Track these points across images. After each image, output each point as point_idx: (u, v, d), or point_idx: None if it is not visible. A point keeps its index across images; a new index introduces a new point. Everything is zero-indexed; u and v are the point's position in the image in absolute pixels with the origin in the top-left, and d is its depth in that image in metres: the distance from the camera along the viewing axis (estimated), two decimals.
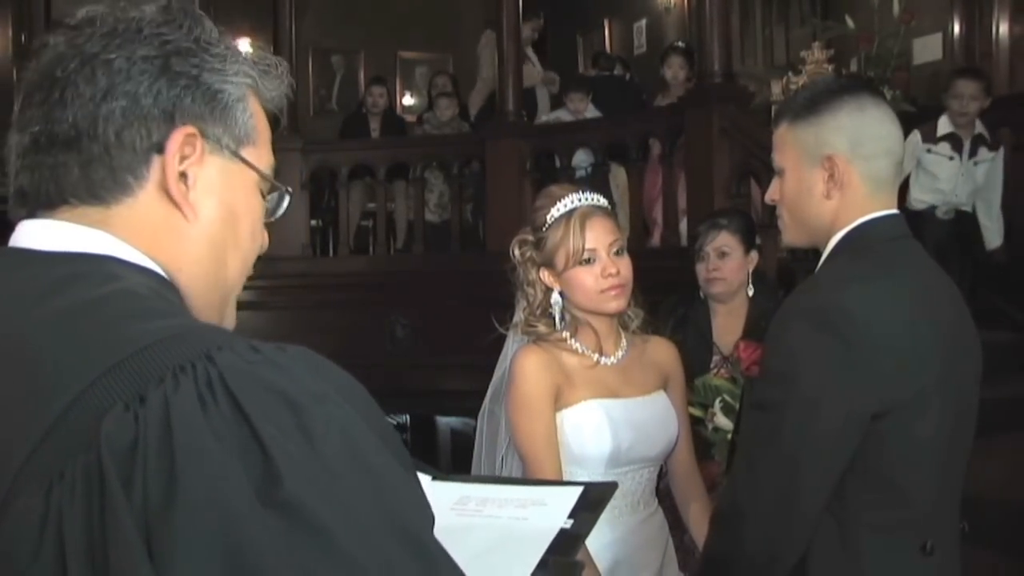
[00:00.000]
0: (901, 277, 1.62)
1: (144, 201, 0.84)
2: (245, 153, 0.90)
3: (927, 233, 4.50)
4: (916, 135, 4.82)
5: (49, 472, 0.68)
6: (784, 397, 1.55)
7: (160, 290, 0.83)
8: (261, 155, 0.92)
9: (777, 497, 1.55)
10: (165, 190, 0.85)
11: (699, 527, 2.26)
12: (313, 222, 7.05)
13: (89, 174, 0.83)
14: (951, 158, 4.78)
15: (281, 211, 0.97)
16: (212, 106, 0.86)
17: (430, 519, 0.75)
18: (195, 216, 0.86)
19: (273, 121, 0.95)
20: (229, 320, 0.95)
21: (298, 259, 6.46)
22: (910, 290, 1.61)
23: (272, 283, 5.76)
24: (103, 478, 0.66)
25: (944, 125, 4.82)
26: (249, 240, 0.93)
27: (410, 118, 8.57)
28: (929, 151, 4.77)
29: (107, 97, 0.82)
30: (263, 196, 0.94)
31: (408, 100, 10.12)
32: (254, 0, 7.83)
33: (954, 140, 4.78)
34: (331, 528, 0.67)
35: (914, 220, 4.73)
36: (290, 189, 0.98)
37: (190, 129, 0.85)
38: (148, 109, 0.83)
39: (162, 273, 0.85)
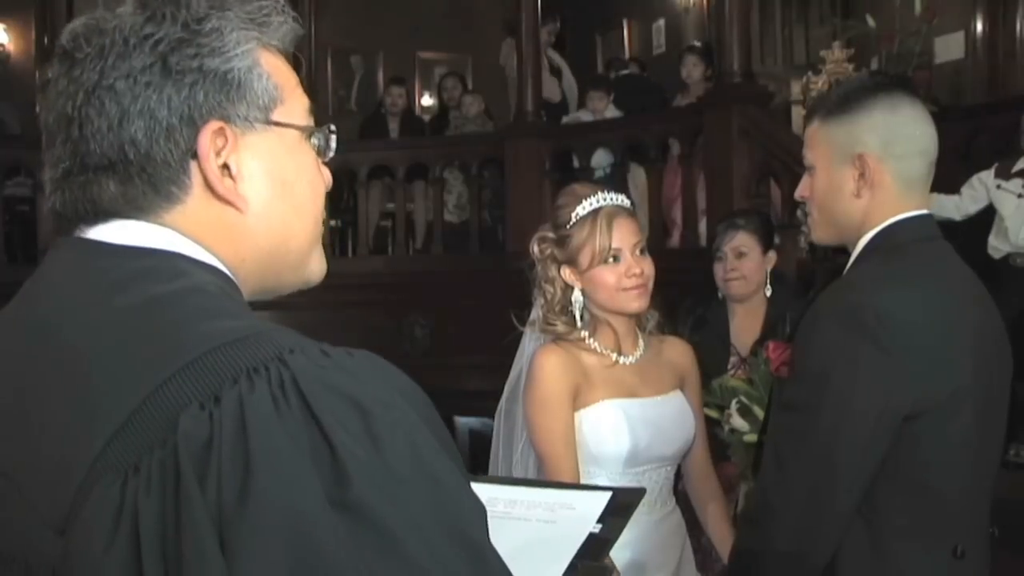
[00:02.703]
0: (934, 279, 1.61)
1: (194, 206, 0.84)
2: (276, 116, 0.87)
3: (1007, 292, 3.73)
4: (991, 171, 4.42)
5: (124, 465, 0.70)
6: (817, 397, 1.54)
7: (227, 289, 0.83)
8: (293, 107, 0.89)
9: (809, 496, 1.55)
10: (211, 189, 0.84)
11: (717, 529, 2.26)
12: (332, 222, 7.06)
13: (128, 190, 0.82)
14: (1020, 195, 4.30)
15: (333, 147, 0.93)
16: (226, 90, 0.83)
17: (486, 523, 0.76)
18: (248, 205, 0.85)
19: (293, 61, 0.91)
20: (317, 270, 0.94)
21: None
22: (943, 292, 1.60)
23: None
24: (179, 474, 0.68)
25: (1023, 161, 4.38)
26: (310, 196, 0.91)
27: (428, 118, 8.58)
28: (999, 187, 4.35)
29: (123, 123, 0.81)
30: (309, 142, 0.90)
31: (427, 101, 10.13)
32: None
33: None
34: (396, 531, 0.69)
35: (991, 271, 4.01)
36: (332, 127, 0.93)
37: (215, 125, 0.83)
38: (167, 121, 0.81)
39: (227, 271, 0.85)
